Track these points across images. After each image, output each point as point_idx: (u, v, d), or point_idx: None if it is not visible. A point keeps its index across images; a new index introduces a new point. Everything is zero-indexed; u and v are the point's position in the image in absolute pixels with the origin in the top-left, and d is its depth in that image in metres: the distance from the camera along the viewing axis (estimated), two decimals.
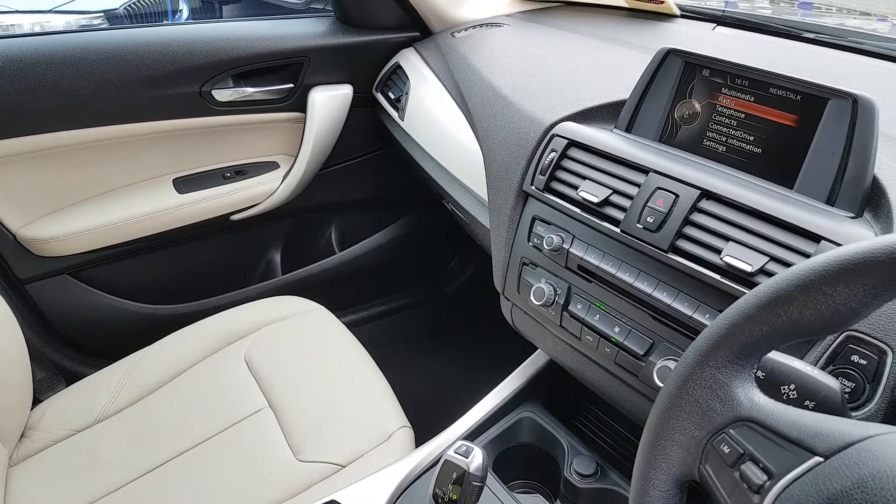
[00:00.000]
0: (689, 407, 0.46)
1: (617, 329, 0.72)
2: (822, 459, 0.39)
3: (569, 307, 0.77)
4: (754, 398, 0.44)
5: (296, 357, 1.07)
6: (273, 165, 1.31)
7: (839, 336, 0.56)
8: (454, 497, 0.67)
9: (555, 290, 0.78)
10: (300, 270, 1.41)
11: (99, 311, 1.23)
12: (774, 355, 0.50)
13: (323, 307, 1.16)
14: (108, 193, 1.21)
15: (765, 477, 0.41)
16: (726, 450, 0.44)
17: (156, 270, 1.29)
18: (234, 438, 0.95)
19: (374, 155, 1.41)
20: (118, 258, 1.23)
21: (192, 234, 1.27)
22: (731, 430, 0.44)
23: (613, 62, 0.99)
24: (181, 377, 1.06)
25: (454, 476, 0.67)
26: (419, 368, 1.33)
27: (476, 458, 0.67)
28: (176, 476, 0.91)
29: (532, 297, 0.80)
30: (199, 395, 1.02)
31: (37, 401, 1.07)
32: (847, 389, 0.55)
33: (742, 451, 0.43)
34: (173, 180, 1.24)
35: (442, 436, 0.84)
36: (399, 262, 1.55)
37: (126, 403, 1.03)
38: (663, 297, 0.67)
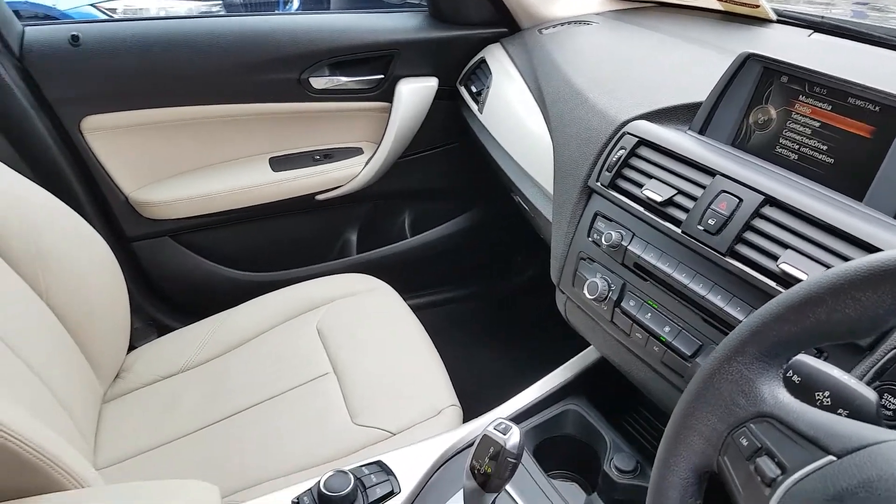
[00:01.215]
0: (713, 400, 0.46)
1: (667, 328, 0.72)
2: (834, 458, 0.39)
3: (621, 303, 0.78)
4: (778, 396, 0.44)
5: (362, 330, 1.12)
6: (357, 151, 1.38)
7: (890, 352, 0.55)
8: (489, 471, 0.69)
9: (609, 286, 0.79)
10: (373, 251, 1.47)
11: (193, 273, 1.35)
12: (811, 361, 0.49)
13: (391, 287, 1.22)
14: (212, 166, 1.32)
15: (778, 471, 0.41)
16: (745, 443, 0.44)
17: (245, 240, 1.38)
18: (300, 398, 1.01)
19: (450, 147, 1.45)
20: (214, 226, 1.34)
21: (281, 209, 1.35)
22: (751, 425, 0.44)
23: (697, 64, 0.97)
24: (258, 339, 1.14)
25: (491, 451, 0.69)
26: (473, 357, 1.35)
27: (513, 437, 0.69)
28: (245, 426, 0.98)
29: (586, 291, 0.81)
30: (273, 356, 1.10)
31: (132, 347, 1.18)
32: (893, 406, 0.54)
33: (759, 446, 0.43)
34: (269, 159, 1.33)
35: (487, 416, 0.86)
36: (465, 253, 1.58)
37: (208, 357, 1.12)
38: (717, 300, 0.67)
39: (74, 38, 1.14)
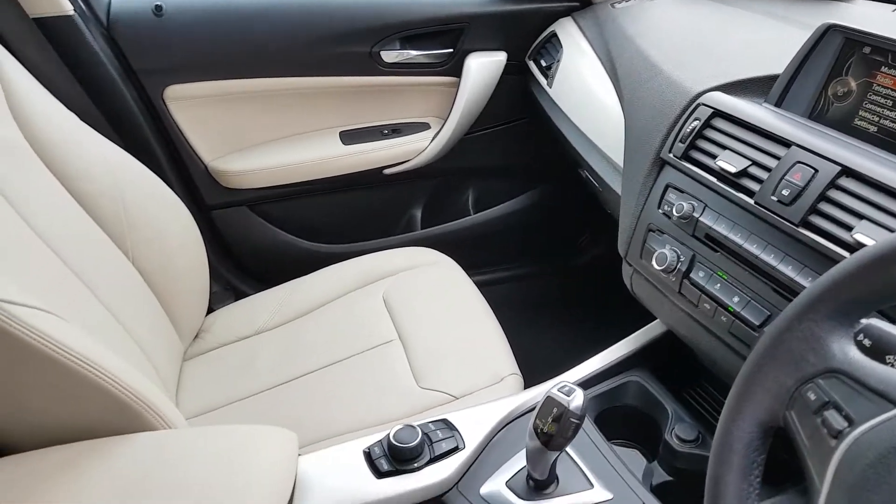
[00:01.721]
0: (783, 357, 0.49)
1: (736, 299, 0.74)
2: None
3: (690, 274, 0.79)
4: (848, 353, 0.46)
5: (426, 300, 1.17)
6: (425, 126, 1.43)
7: None
8: (552, 430, 0.73)
9: (678, 257, 0.81)
10: (437, 227, 1.52)
11: (267, 242, 1.43)
12: (883, 325, 0.50)
13: (454, 262, 1.26)
14: (286, 139, 1.39)
15: (845, 423, 0.43)
16: (812, 397, 0.46)
17: (316, 213, 1.46)
18: (367, 362, 1.08)
19: (517, 123, 1.48)
20: (287, 198, 1.41)
21: (350, 183, 1.42)
22: (819, 380, 0.46)
23: (773, 38, 0.97)
24: (328, 305, 1.21)
25: (554, 412, 0.72)
26: (534, 333, 1.38)
27: (577, 398, 0.72)
28: (317, 385, 1.05)
29: (654, 263, 0.83)
30: (342, 322, 1.16)
31: (210, 310, 1.27)
32: None
33: (827, 400, 0.45)
34: (340, 133, 1.40)
35: (549, 382, 0.90)
36: (529, 231, 1.61)
37: (282, 321, 1.20)
38: (788, 270, 0.68)
39: (158, 9, 1.22)
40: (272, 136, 1.38)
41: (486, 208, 1.55)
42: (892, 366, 0.50)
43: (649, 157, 0.88)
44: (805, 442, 0.46)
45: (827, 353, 0.46)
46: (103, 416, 0.74)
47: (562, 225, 1.66)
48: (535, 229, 1.61)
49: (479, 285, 1.22)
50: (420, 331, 1.11)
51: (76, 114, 1.04)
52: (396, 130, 1.41)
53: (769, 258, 0.70)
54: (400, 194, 1.50)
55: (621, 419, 0.92)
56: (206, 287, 1.22)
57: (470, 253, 1.33)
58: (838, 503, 0.41)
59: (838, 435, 0.43)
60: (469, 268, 1.25)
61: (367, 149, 1.38)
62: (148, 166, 1.10)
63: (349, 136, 1.40)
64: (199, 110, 1.31)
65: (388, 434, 0.83)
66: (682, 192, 0.83)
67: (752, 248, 0.72)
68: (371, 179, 1.42)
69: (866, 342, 0.50)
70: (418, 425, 0.84)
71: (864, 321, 0.50)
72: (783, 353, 0.48)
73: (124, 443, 0.73)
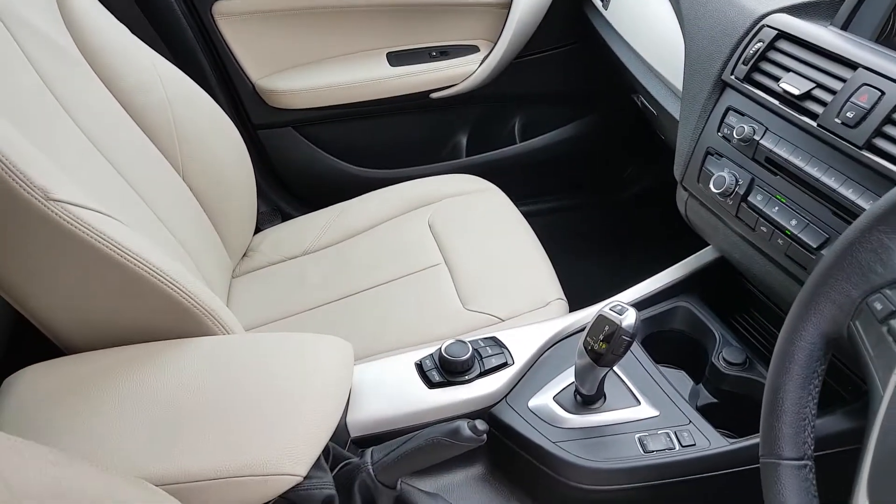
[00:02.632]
0: (850, 268, 0.50)
1: (794, 222, 0.75)
2: None
3: (748, 198, 0.81)
4: None
5: (471, 226, 1.20)
6: (474, 49, 1.42)
7: None
8: (603, 348, 0.76)
9: (736, 180, 0.82)
10: (482, 155, 1.54)
11: (313, 164, 1.47)
12: None
13: (499, 189, 1.27)
14: (333, 59, 1.42)
15: None
16: (879, 307, 0.48)
17: (362, 137, 1.49)
18: (414, 283, 1.11)
19: (569, 48, 1.46)
20: (334, 120, 1.44)
21: (396, 107, 1.43)
22: (887, 290, 0.48)
23: None
24: (375, 229, 1.24)
25: (606, 329, 0.75)
26: (580, 262, 1.40)
27: (629, 317, 0.75)
28: (365, 304, 1.10)
29: (712, 186, 0.84)
30: (388, 245, 1.20)
31: (258, 230, 1.31)
32: None
33: (894, 309, 0.47)
34: (387, 54, 1.41)
35: (597, 306, 0.92)
36: (576, 161, 1.61)
37: (329, 243, 1.24)
38: (849, 192, 0.69)
39: None
40: (319, 56, 1.40)
41: (533, 137, 1.56)
42: None
43: (710, 80, 0.88)
44: (870, 351, 0.48)
45: (894, 264, 0.48)
46: (165, 320, 0.79)
47: (610, 156, 1.66)
48: (581, 160, 1.62)
49: (525, 216, 1.24)
50: (465, 256, 1.14)
51: (127, 26, 1.06)
52: (444, 53, 1.41)
53: (830, 181, 0.71)
54: (446, 120, 1.51)
55: (669, 343, 0.96)
56: (254, 206, 1.26)
57: (515, 182, 1.34)
58: None
59: None
60: (514, 198, 1.27)
61: (413, 71, 1.39)
62: (196, 82, 1.12)
63: (396, 58, 1.41)
64: (248, 27, 1.33)
65: (440, 348, 0.88)
66: (742, 114, 0.83)
67: (814, 171, 0.73)
68: (417, 103, 1.43)
69: None
70: (469, 341, 0.88)
71: None
72: (851, 264, 0.50)
73: (187, 345, 0.79)
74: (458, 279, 1.10)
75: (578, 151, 1.59)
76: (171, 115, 1.08)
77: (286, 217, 1.41)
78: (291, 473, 0.67)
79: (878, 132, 0.67)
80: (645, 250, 1.10)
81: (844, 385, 0.79)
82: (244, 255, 1.28)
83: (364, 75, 1.38)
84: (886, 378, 0.46)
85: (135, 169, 1.00)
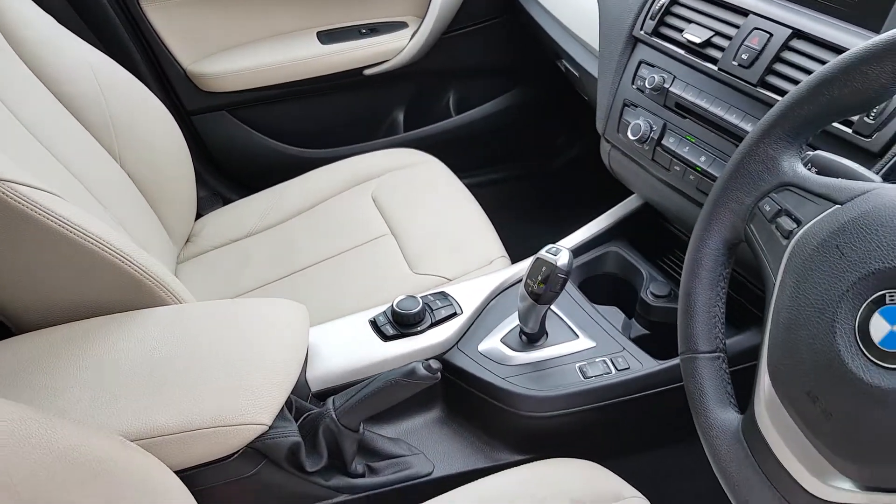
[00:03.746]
0: (743, 179, 0.59)
1: (703, 158, 0.84)
2: (839, 205, 0.51)
3: (662, 141, 0.90)
4: (797, 168, 0.56)
5: (414, 197, 1.25)
6: (403, 25, 1.48)
7: None
8: (542, 286, 0.83)
9: (651, 127, 0.91)
10: (419, 129, 1.59)
11: (249, 147, 1.49)
12: (828, 154, 0.60)
13: (439, 161, 1.33)
14: (263, 40, 1.45)
15: (794, 225, 0.54)
16: (767, 208, 0.56)
17: (298, 117, 1.52)
18: (362, 254, 1.16)
19: (494, 22, 1.53)
20: (268, 101, 1.47)
21: (331, 85, 1.47)
22: (774, 194, 0.57)
23: None
24: (318, 207, 1.28)
25: (543, 270, 0.83)
26: (521, 226, 1.48)
27: (563, 257, 0.83)
28: (314, 277, 1.14)
29: (629, 134, 0.92)
30: (333, 221, 1.24)
31: (199, 215, 1.33)
32: None
33: (780, 208, 0.56)
34: (317, 33, 1.45)
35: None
36: (510, 132, 1.69)
37: (273, 223, 1.27)
38: (748, 126, 0.79)
39: None
40: (249, 38, 1.43)
41: (468, 110, 1.62)
42: None
43: (623, 37, 0.97)
44: (763, 247, 0.57)
45: (779, 170, 0.57)
46: (119, 293, 0.82)
47: (540, 127, 1.74)
48: (516, 130, 1.70)
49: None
50: (411, 224, 1.20)
51: (55, 17, 1.07)
52: (374, 30, 1.46)
53: (732, 118, 0.80)
54: (381, 97, 1.56)
55: (602, 285, 1.05)
56: (194, 192, 1.28)
57: (453, 154, 1.40)
58: (788, 285, 0.52)
59: (789, 235, 0.54)
60: (453, 170, 1.33)
61: (345, 48, 1.44)
62: (128, 71, 1.13)
63: (327, 36, 1.45)
64: (176, 13, 1.35)
65: (392, 303, 0.93)
66: (653, 66, 0.92)
67: (717, 111, 0.82)
68: (352, 81, 1.48)
69: (813, 171, 0.60)
70: (419, 296, 0.94)
71: (811, 152, 0.60)
72: (743, 175, 0.58)
73: (144, 315, 0.82)
74: (405, 247, 1.16)
75: (512, 122, 1.66)
76: (105, 105, 1.09)
77: (227, 201, 1.44)
78: (257, 423, 0.72)
79: (769, 70, 0.77)
80: (580, 209, 1.17)
81: (757, 305, 0.89)
82: (187, 241, 1.30)
83: (295, 54, 1.41)
84: (777, 267, 0.54)
85: (73, 157, 1.01)
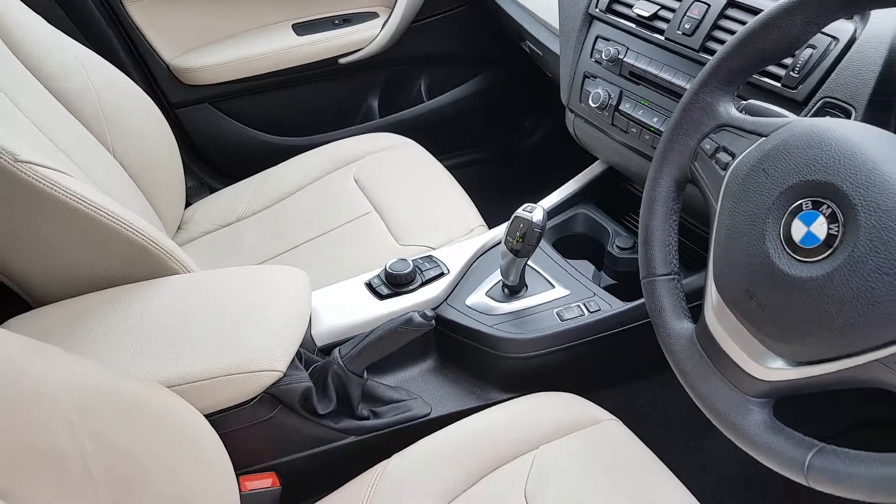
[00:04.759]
0: (686, 124, 0.70)
1: (655, 119, 0.96)
2: (765, 137, 0.62)
3: (619, 107, 1.01)
4: (731, 112, 0.68)
5: (395, 176, 1.34)
6: (374, 15, 1.58)
7: (818, 103, 0.77)
8: (520, 241, 0.93)
9: (609, 95, 1.02)
10: (393, 115, 1.69)
11: (233, 137, 1.57)
12: (759, 102, 0.72)
13: (418, 144, 1.43)
14: (242, 34, 1.53)
15: (730, 158, 0.66)
16: (708, 147, 0.68)
17: (277, 107, 1.60)
18: (349, 231, 1.25)
19: (460, 10, 1.64)
20: (249, 93, 1.55)
21: (308, 75, 1.56)
22: (712, 135, 0.68)
23: None
24: (302, 191, 1.36)
25: (521, 227, 0.93)
26: (497, 201, 1.58)
27: (537, 213, 0.93)
28: (306, 254, 1.22)
29: (591, 102, 1.04)
30: (319, 203, 1.32)
31: (188, 204, 1.40)
32: None
33: (718, 146, 0.67)
34: (292, 25, 1.54)
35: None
36: (481, 115, 1.80)
37: (261, 207, 1.35)
38: None
39: None
40: (228, 32, 1.51)
41: (439, 95, 1.72)
42: None
43: (580, 15, 1.08)
44: (706, 180, 0.68)
45: (716, 114, 0.68)
46: (131, 264, 0.90)
47: (511, 106, 1.85)
48: (486, 112, 1.80)
49: None
50: (393, 202, 1.28)
51: (42, 16, 1.13)
52: (347, 20, 1.55)
53: (679, 81, 0.92)
54: (357, 85, 1.65)
55: (574, 244, 1.16)
56: (182, 180, 1.35)
57: (427, 138, 1.49)
58: (726, 207, 0.63)
59: (726, 167, 0.65)
60: (429, 152, 1.42)
61: (319, 38, 1.53)
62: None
63: (302, 28, 1.54)
64: (157, 10, 1.43)
65: (385, 266, 1.03)
66: (608, 40, 1.04)
67: (667, 76, 0.94)
68: (328, 70, 1.57)
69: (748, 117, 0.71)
70: (409, 259, 1.04)
71: (744, 102, 0.72)
72: (686, 121, 0.70)
73: (160, 282, 0.90)
74: (390, 222, 1.24)
75: (483, 104, 1.77)
76: (97, 99, 1.16)
77: (213, 191, 1.51)
78: (273, 369, 0.81)
79: (709, 36, 0.89)
80: (552, 184, 1.28)
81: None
82: (178, 228, 1.37)
83: (272, 46, 1.50)
84: (717, 194, 0.66)
85: (73, 147, 1.08)
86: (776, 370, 0.60)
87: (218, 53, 1.48)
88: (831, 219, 0.54)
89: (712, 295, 0.65)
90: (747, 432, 0.61)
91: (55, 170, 0.82)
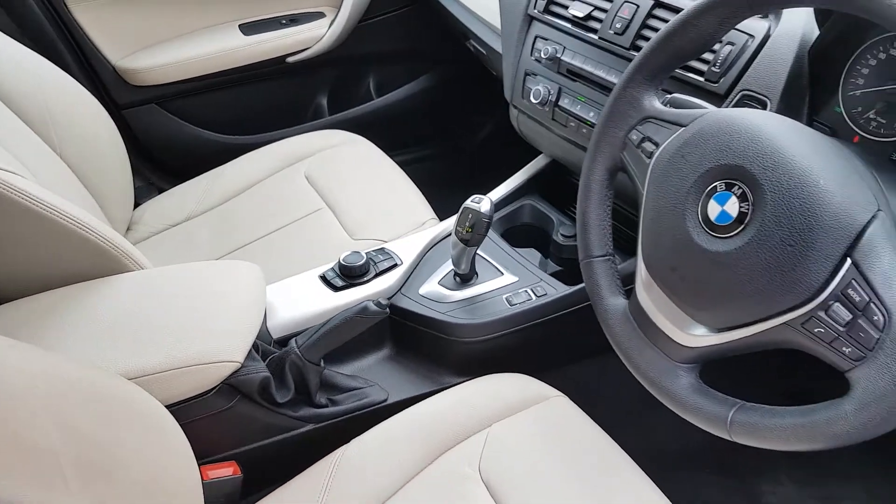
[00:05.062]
0: (616, 117, 0.76)
1: (592, 114, 1.03)
2: (684, 127, 0.69)
3: (559, 103, 1.07)
4: (655, 104, 0.74)
5: (346, 172, 1.38)
6: (320, 15, 1.61)
7: (737, 95, 0.85)
8: (470, 231, 0.99)
9: (549, 91, 1.08)
10: (343, 112, 1.73)
11: (181, 137, 1.58)
12: (682, 95, 0.78)
13: (367, 140, 1.47)
14: (188, 34, 1.54)
15: (654, 147, 0.72)
16: (635, 138, 0.74)
17: (226, 106, 1.62)
18: (301, 227, 1.28)
19: (406, 9, 1.68)
20: (196, 93, 1.56)
21: (256, 74, 1.58)
22: (638, 126, 0.74)
23: None
24: (253, 188, 1.38)
25: (470, 217, 0.98)
26: (446, 195, 1.63)
27: (485, 204, 0.99)
28: (258, 251, 1.25)
29: (532, 98, 1.10)
30: (270, 200, 1.34)
31: (136, 204, 1.41)
32: None
33: (644, 136, 0.73)
34: (239, 25, 1.56)
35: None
36: (429, 112, 1.84)
37: (211, 206, 1.37)
38: None
39: None
40: (175, 32, 1.52)
41: (388, 93, 1.76)
42: None
43: (520, 16, 1.15)
44: (633, 168, 0.74)
45: (642, 107, 0.74)
46: (86, 262, 0.92)
47: (458, 104, 1.90)
48: (434, 110, 1.85)
49: None
50: (345, 198, 1.31)
51: None
52: (294, 20, 1.58)
53: (612, 78, 0.99)
54: (305, 83, 1.68)
55: (521, 234, 1.23)
56: (131, 180, 1.36)
57: (376, 135, 1.53)
58: (651, 191, 0.70)
59: (651, 155, 0.72)
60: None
61: (267, 38, 1.55)
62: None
63: (249, 28, 1.56)
64: (102, 11, 1.43)
65: (338, 259, 1.06)
66: (547, 39, 1.10)
67: (601, 73, 1.00)
68: (276, 70, 1.59)
69: (671, 108, 0.78)
70: (363, 251, 1.08)
71: (668, 96, 0.78)
72: (615, 113, 0.76)
73: (115, 280, 0.92)
74: (342, 217, 1.27)
75: (430, 102, 1.82)
76: (44, 101, 1.16)
77: (162, 191, 1.52)
78: (231, 360, 0.84)
79: (638, 35, 0.96)
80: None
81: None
82: (128, 229, 1.37)
83: (219, 46, 1.52)
84: (643, 181, 0.72)
85: (20, 149, 1.08)
86: (700, 337, 0.66)
87: (164, 54, 1.49)
88: (742, 198, 0.61)
89: (642, 271, 0.71)
90: (676, 395, 0.67)
91: (6, 170, 0.83)
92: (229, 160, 1.43)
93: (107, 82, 1.47)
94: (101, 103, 1.29)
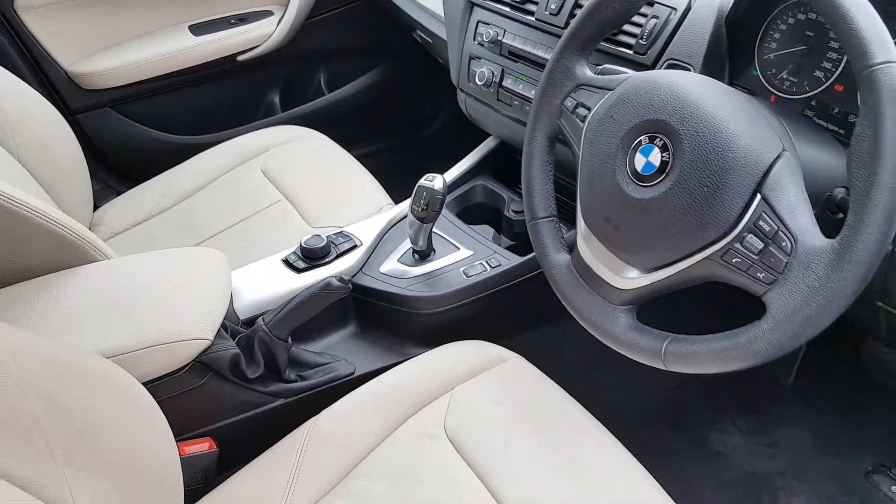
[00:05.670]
0: (551, 87, 0.84)
1: (533, 91, 1.10)
2: (612, 91, 0.76)
3: (502, 83, 1.15)
4: (586, 73, 0.82)
5: (302, 165, 1.42)
6: (268, 13, 1.66)
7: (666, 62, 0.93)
8: (425, 209, 1.05)
9: (493, 73, 1.15)
10: (296, 108, 1.77)
11: (135, 140, 1.61)
12: (611, 66, 0.86)
13: (322, 134, 1.52)
14: (139, 37, 1.57)
15: (587, 111, 0.79)
16: (569, 104, 0.82)
17: (179, 107, 1.65)
18: (262, 219, 1.32)
19: (354, 5, 1.74)
20: (149, 95, 1.60)
21: (207, 74, 1.62)
22: (572, 94, 0.82)
23: None
24: (211, 185, 1.42)
25: (424, 195, 1.05)
26: (401, 186, 1.69)
27: (438, 181, 1.05)
28: (221, 243, 1.28)
29: (477, 80, 1.17)
30: (229, 195, 1.38)
31: (96, 207, 1.44)
32: None
33: (577, 102, 0.81)
34: (189, 26, 1.60)
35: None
36: (380, 106, 1.90)
37: (170, 205, 1.40)
38: None
39: None
40: (125, 36, 1.56)
41: (339, 88, 1.82)
42: None
43: (462, 3, 1.22)
44: (570, 133, 0.82)
45: (574, 76, 0.82)
46: (53, 254, 0.95)
47: (409, 96, 1.97)
48: (385, 102, 1.91)
49: None
50: (303, 189, 1.36)
51: None
52: (243, 19, 1.63)
53: (549, 55, 1.04)
54: (257, 81, 1.73)
55: (475, 212, 1.30)
56: (89, 183, 1.39)
57: (329, 130, 1.58)
58: (585, 151, 0.77)
59: (584, 119, 0.79)
60: None
61: (217, 38, 1.60)
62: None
63: (198, 28, 1.60)
64: (52, 17, 1.46)
65: (300, 242, 1.11)
66: (488, 24, 1.17)
67: (539, 52, 1.08)
68: (227, 68, 1.64)
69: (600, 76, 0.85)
70: (323, 235, 1.13)
71: (600, 66, 0.86)
72: (551, 83, 0.83)
73: (83, 269, 0.95)
74: (301, 208, 1.32)
75: (381, 95, 1.88)
76: (0, 107, 1.19)
77: (120, 194, 1.55)
78: (201, 338, 0.89)
79: (572, 14, 1.04)
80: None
81: None
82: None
83: (170, 47, 1.55)
84: (578, 143, 0.79)
85: None
86: (633, 279, 0.74)
87: (116, 57, 1.52)
88: (663, 148, 0.69)
89: (581, 226, 0.79)
90: (615, 334, 0.74)
91: None
92: (185, 160, 1.47)
93: (60, 88, 1.49)
94: (56, 108, 1.32)
